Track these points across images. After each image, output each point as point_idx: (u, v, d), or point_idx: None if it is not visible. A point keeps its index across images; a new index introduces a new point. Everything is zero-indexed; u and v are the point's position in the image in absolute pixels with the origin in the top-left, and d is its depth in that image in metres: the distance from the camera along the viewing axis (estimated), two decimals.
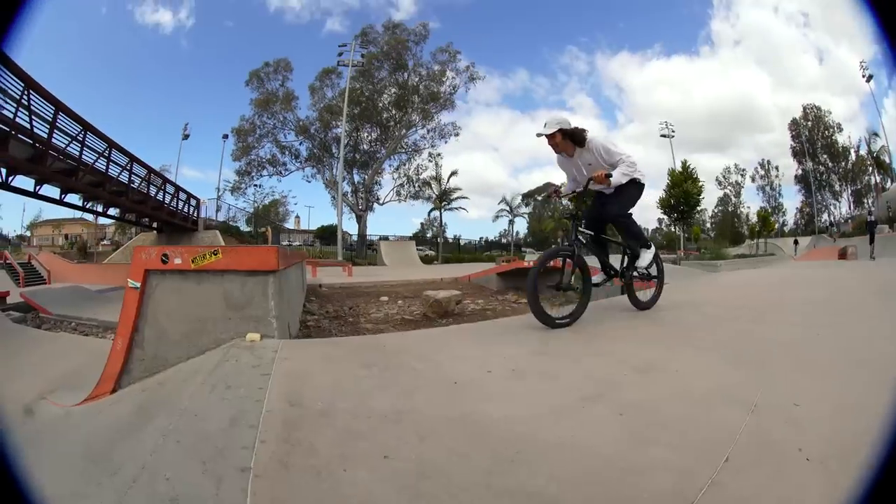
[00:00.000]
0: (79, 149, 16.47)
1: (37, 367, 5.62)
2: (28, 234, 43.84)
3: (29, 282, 24.35)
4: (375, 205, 44.29)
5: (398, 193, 44.97)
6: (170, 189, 26.11)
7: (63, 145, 15.75)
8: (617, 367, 3.05)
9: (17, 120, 13.88)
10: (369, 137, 43.67)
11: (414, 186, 45.19)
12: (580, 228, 4.49)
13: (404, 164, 44.31)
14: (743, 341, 3.73)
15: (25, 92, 13.71)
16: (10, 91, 13.14)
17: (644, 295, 5.19)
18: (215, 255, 3.60)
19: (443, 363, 3.18)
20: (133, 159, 19.65)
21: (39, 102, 14.24)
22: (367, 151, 43.63)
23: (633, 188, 4.57)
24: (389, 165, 44.24)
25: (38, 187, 17.03)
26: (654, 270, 5.17)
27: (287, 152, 42.54)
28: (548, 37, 67.12)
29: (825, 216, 49.76)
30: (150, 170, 21.80)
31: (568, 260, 4.33)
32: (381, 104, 42.83)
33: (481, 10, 63.78)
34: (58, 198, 17.93)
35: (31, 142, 14.45)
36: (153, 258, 3.59)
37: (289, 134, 42.22)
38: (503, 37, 71.16)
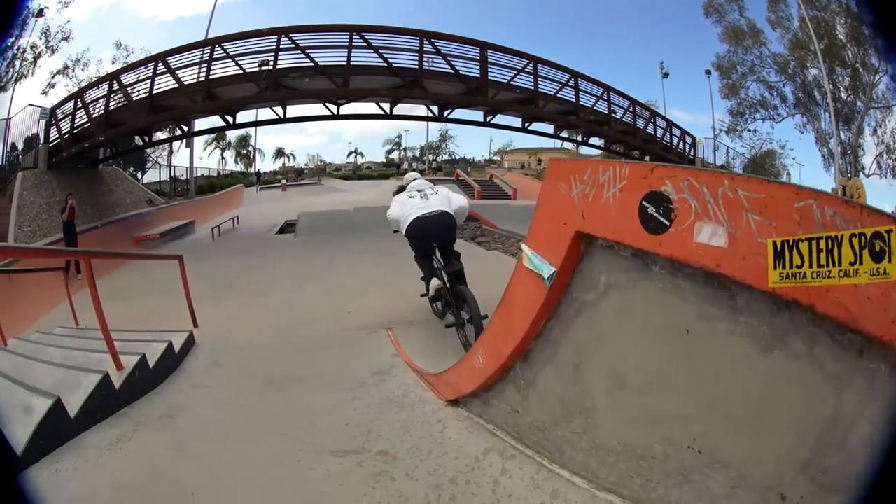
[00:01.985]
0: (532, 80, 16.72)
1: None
2: (498, 158, 49.51)
3: (488, 196, 26.92)
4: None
5: (878, 165, 30.14)
6: (660, 123, 24.23)
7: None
8: None
9: None
10: (843, 83, 32.27)
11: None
12: None
13: (880, 125, 30.18)
14: None
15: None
16: None
17: None
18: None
19: None
20: (608, 89, 19.04)
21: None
22: (845, 102, 32.21)
23: None
24: (868, 125, 31.12)
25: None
26: None
27: (775, 93, 35.60)
28: None
29: None
30: (632, 100, 20.80)
31: None
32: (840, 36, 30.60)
33: None
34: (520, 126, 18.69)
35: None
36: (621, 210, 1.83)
37: (770, 72, 35.43)
38: None
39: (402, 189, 5.78)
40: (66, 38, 21.97)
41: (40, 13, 20.50)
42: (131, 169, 26.49)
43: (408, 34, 15.03)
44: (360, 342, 5.32)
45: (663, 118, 24.55)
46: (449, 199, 5.53)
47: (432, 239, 5.29)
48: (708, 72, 37.23)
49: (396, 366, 4.28)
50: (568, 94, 17.35)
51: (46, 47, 21.34)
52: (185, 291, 6.54)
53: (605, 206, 1.81)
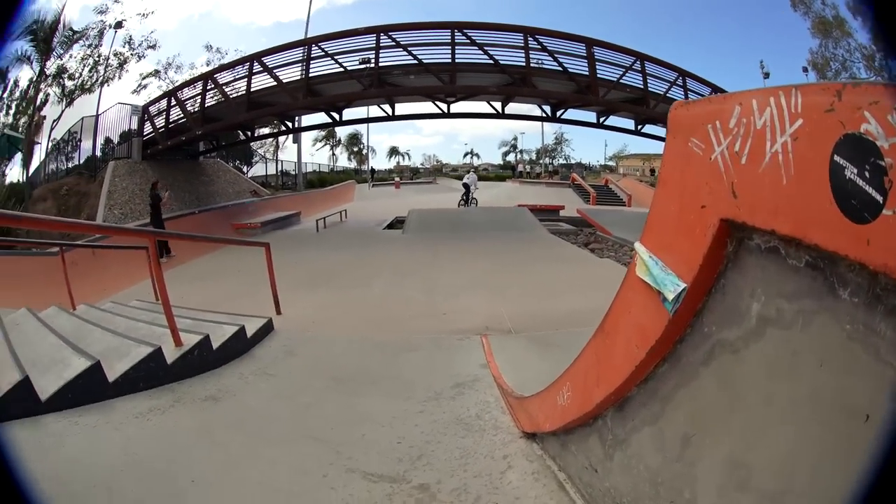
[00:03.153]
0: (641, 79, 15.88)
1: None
2: (613, 164, 48.22)
3: (602, 202, 26.56)
4: None
5: None
6: None
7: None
8: None
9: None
10: None
11: None
12: None
13: None
14: None
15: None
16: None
17: None
18: None
19: None
20: (715, 88, 17.68)
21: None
22: None
23: None
24: None
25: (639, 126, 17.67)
26: None
27: None
28: None
29: None
30: None
31: None
32: None
33: None
34: (633, 128, 17.92)
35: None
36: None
37: (860, 67, 32.04)
38: None
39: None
40: (152, 47, 24.07)
41: (119, 25, 22.51)
42: (237, 162, 28.29)
43: (511, 30, 14.71)
44: (449, 347, 4.96)
45: None
46: (475, 182, 22.94)
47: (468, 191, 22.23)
48: (805, 69, 33.70)
49: (482, 379, 3.84)
50: (677, 94, 16.25)
51: (132, 54, 23.43)
52: (270, 278, 6.49)
53: (769, 171, 0.93)
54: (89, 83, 21.95)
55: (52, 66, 21.66)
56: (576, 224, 16.31)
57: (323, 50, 14.77)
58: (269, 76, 15.23)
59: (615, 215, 17.38)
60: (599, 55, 15.04)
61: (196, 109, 16.27)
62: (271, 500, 2.22)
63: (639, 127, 17.64)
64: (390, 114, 16.97)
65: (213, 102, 16.17)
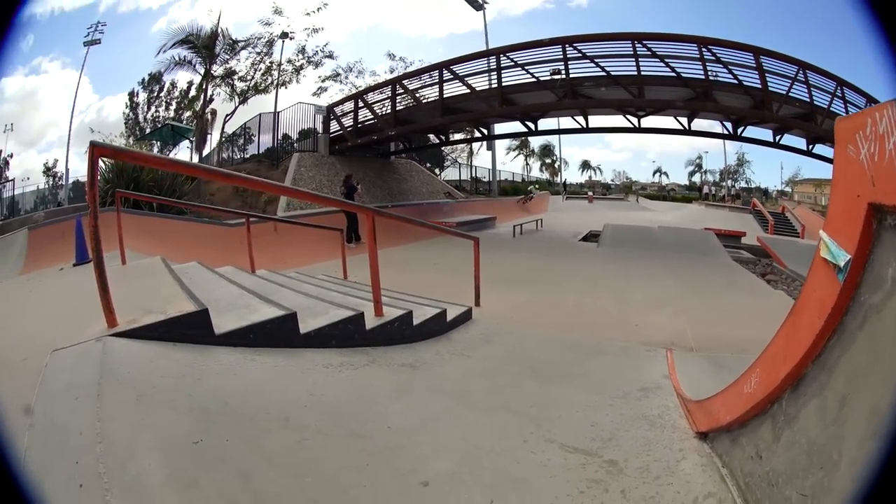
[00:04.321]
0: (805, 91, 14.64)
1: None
2: (789, 190, 44.23)
3: (778, 231, 24.69)
4: None
5: None
6: None
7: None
8: None
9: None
10: None
11: None
12: None
13: None
14: None
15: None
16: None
17: None
18: None
19: None
20: (869, 99, 15.62)
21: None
22: None
23: None
24: None
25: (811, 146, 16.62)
26: None
27: None
28: None
29: None
30: None
31: None
32: None
33: None
34: (805, 149, 16.72)
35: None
36: None
37: None
38: None
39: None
40: (329, 56, 26.33)
41: (284, 35, 25.07)
42: (428, 165, 29.60)
43: (684, 41, 14.23)
44: (636, 355, 5.12)
45: None
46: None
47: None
48: None
49: (664, 387, 4.01)
50: (838, 107, 14.89)
51: (308, 62, 25.89)
52: (475, 271, 6.83)
53: (891, 162, 1.31)
54: (263, 85, 25.07)
55: (219, 70, 25.23)
56: (755, 253, 15.57)
57: (512, 60, 15.24)
58: (460, 83, 16.01)
59: (791, 247, 16.21)
60: (766, 65, 14.14)
61: (387, 112, 17.44)
62: (473, 453, 2.45)
63: (810, 147, 16.49)
64: (584, 125, 17.10)
65: (402, 107, 17.20)
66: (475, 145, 31.71)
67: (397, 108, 17.28)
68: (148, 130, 26.55)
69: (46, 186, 29.60)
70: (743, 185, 45.34)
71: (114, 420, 1.92)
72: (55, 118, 44.34)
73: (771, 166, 66.17)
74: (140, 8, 41.10)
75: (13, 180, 27.77)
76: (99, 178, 11.53)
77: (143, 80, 28.71)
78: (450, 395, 3.27)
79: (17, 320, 4.14)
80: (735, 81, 14.04)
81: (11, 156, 30.42)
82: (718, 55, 14.00)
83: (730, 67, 14.00)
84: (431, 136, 20.63)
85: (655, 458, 2.58)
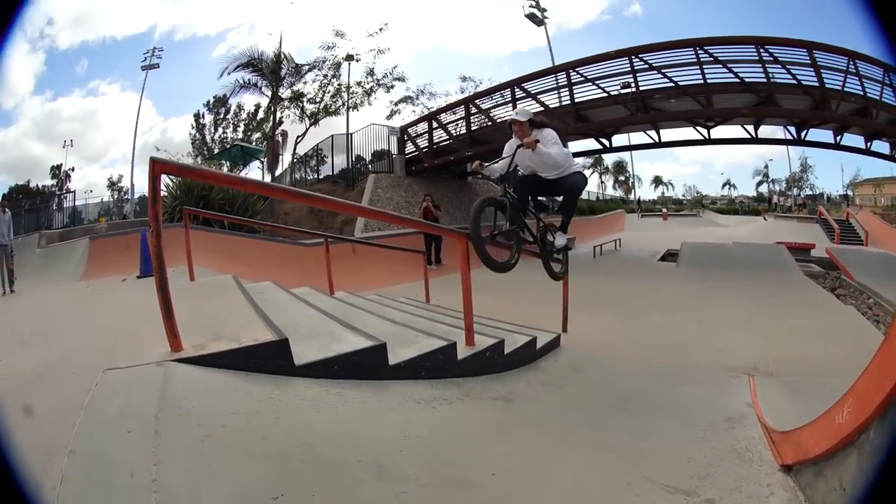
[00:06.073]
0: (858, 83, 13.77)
1: None
2: (850, 193, 41.79)
3: (844, 240, 23.40)
4: None
5: None
6: None
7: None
8: None
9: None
10: None
11: None
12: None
13: None
14: None
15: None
16: None
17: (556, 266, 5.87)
18: None
19: None
20: None
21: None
22: None
23: (579, 176, 5.30)
24: None
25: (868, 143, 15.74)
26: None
27: None
28: None
29: None
30: None
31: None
32: None
33: None
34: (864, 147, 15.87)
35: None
36: None
37: None
38: None
39: None
40: (400, 79, 25.39)
41: (350, 58, 24.35)
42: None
43: (742, 43, 13.61)
44: (721, 382, 4.96)
45: None
46: None
47: None
48: None
49: (748, 416, 3.85)
50: (888, 98, 14.00)
51: (378, 84, 25.08)
52: (564, 296, 6.64)
53: None
54: (334, 107, 24.69)
55: (286, 93, 25.05)
56: (824, 265, 14.90)
57: (581, 75, 14.94)
58: (532, 100, 15.65)
59: (856, 256, 15.74)
60: (819, 60, 13.39)
61: (461, 132, 17.28)
62: (578, 501, 2.29)
63: (868, 144, 15.62)
64: (657, 140, 16.57)
65: (477, 126, 16.99)
66: None
67: (472, 129, 17.07)
68: (216, 150, 27.10)
69: (111, 199, 31.02)
70: (808, 192, 43.35)
71: (174, 464, 1.65)
72: (117, 137, 47.16)
73: (831, 170, 63.22)
74: (197, 35, 42.83)
75: (74, 192, 29.05)
76: (165, 194, 11.51)
77: (209, 102, 29.47)
78: (550, 433, 3.11)
79: (72, 328, 4.00)
80: (794, 81, 13.42)
81: (73, 169, 31.80)
82: (775, 54, 13.39)
83: (787, 67, 13.38)
84: None
85: (747, 494, 2.53)
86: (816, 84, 13.39)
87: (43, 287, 10.88)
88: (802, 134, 15.39)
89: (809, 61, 13.34)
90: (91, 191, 31.46)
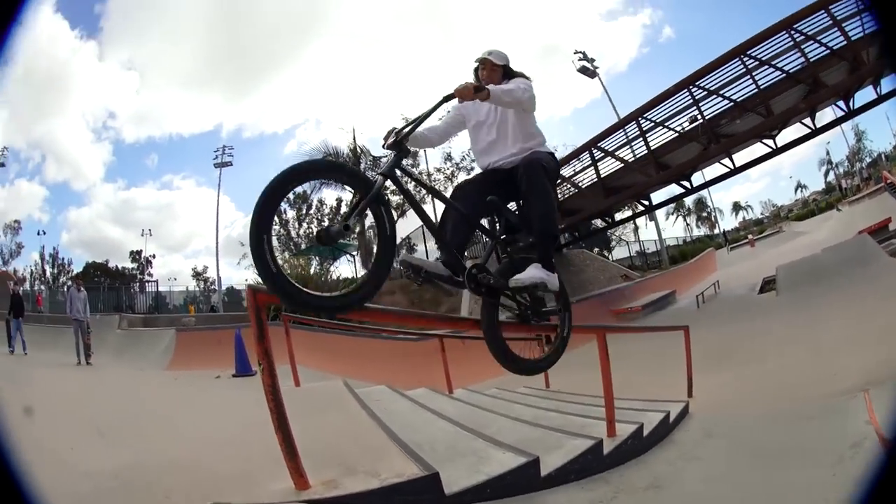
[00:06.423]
0: None
1: None
2: None
3: None
4: None
5: None
6: None
7: None
8: None
9: None
10: None
11: None
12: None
13: None
14: None
15: None
16: None
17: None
18: None
19: None
20: None
21: None
22: None
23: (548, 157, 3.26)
24: None
25: None
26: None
27: None
28: None
29: None
30: None
31: None
32: None
33: None
34: None
35: None
36: None
37: None
38: None
39: None
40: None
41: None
42: (596, 249, 29.14)
43: (774, 33, 13.51)
44: (840, 409, 4.74)
45: None
46: None
47: None
48: None
49: (869, 436, 3.66)
50: None
51: (458, 168, 26.14)
52: (687, 361, 6.62)
53: None
54: (418, 196, 25.29)
55: None
56: None
57: (650, 120, 14.97)
58: (611, 158, 15.79)
59: None
60: (837, 13, 12.96)
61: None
62: None
63: None
64: (733, 168, 16.20)
65: (563, 197, 17.01)
66: (640, 219, 30.41)
67: (559, 199, 17.02)
68: (303, 246, 27.66)
69: (197, 289, 32.71)
70: (867, 160, 39.33)
71: None
72: (197, 229, 52.49)
73: (881, 126, 57.35)
74: (265, 133, 45.56)
75: (157, 280, 31.35)
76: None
77: (289, 198, 30.10)
78: None
79: (162, 427, 3.76)
80: (827, 50, 13.15)
81: (154, 256, 34.57)
82: (804, 31, 13.20)
83: (817, 39, 13.16)
84: (597, 221, 20.02)
85: None
86: (844, 42, 13.00)
87: (123, 367, 10.98)
88: (850, 104, 14.71)
89: (830, 20, 12.98)
90: (175, 278, 34.32)
